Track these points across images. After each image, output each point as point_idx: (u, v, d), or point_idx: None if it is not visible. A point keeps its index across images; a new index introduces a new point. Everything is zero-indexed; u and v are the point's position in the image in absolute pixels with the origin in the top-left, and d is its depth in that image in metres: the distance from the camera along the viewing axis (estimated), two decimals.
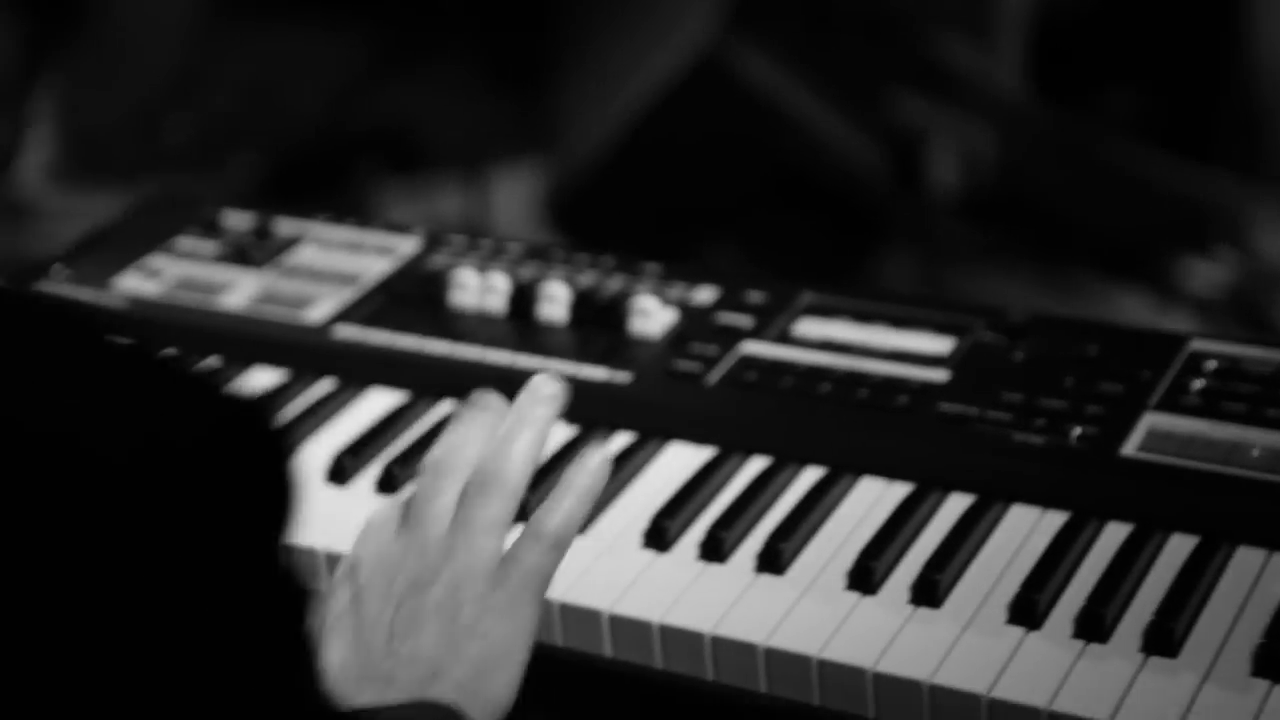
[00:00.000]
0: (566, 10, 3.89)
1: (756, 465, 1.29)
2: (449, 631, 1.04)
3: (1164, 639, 1.08)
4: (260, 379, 1.41)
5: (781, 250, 3.16)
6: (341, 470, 1.31)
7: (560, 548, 1.07)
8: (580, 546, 1.19)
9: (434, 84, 4.23)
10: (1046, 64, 3.44)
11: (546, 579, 1.07)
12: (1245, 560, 1.17)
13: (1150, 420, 1.26)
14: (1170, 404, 1.28)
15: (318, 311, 1.45)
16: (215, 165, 3.78)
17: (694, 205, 3.19)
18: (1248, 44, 3.23)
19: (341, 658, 1.05)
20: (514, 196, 3.48)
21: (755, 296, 1.44)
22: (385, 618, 1.05)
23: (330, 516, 1.20)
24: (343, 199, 3.65)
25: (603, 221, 3.22)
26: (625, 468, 1.29)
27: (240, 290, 1.49)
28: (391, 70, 4.30)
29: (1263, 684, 1.05)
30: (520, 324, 1.44)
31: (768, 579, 1.18)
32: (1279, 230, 3.03)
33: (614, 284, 1.46)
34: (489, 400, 1.15)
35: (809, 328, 1.40)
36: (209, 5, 3.82)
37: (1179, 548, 1.18)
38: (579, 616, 1.18)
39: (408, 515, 1.09)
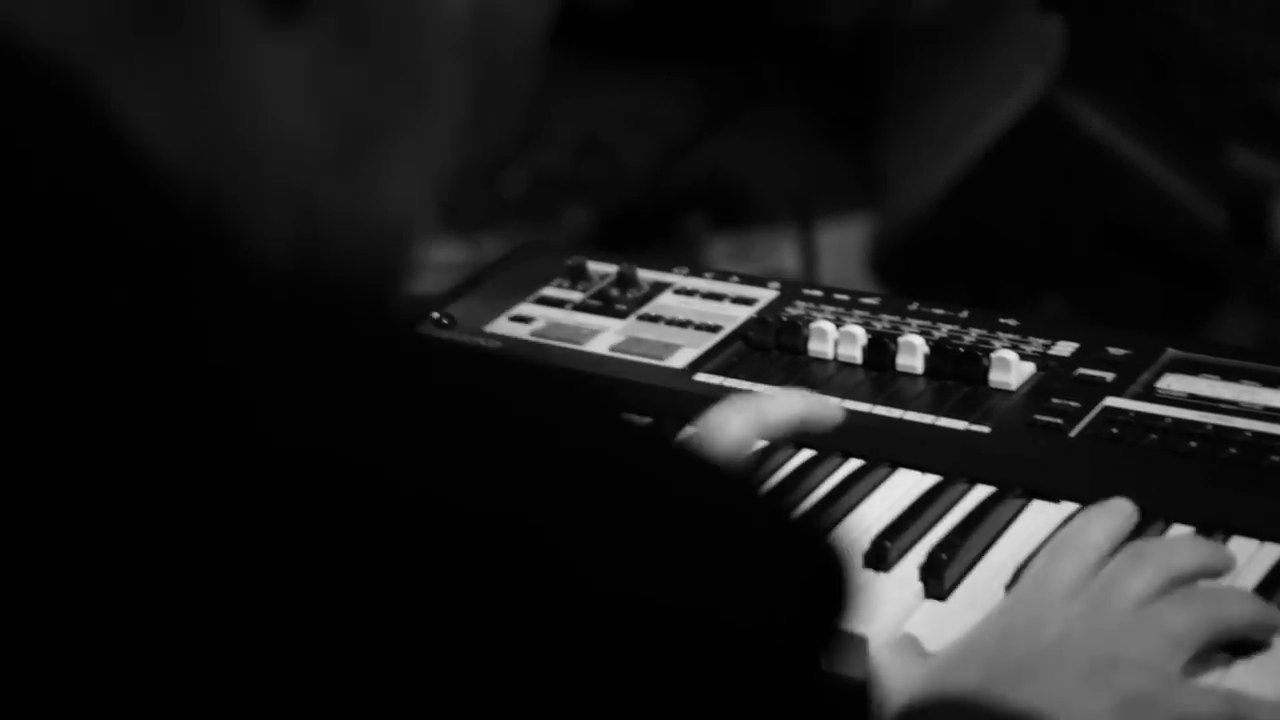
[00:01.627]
0: (899, 65, 3.87)
1: None
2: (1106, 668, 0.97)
3: None
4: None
5: (1112, 305, 3.10)
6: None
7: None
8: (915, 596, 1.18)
9: (763, 137, 4.25)
10: None
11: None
12: None
13: None
14: None
15: (679, 358, 1.44)
16: (548, 219, 3.85)
17: (1021, 259, 3.14)
18: None
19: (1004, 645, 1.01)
20: (840, 251, 3.46)
21: (1117, 351, 1.38)
22: (1076, 637, 1.00)
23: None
24: (670, 253, 3.68)
25: (928, 275, 3.19)
26: (988, 520, 1.23)
27: (605, 336, 1.49)
28: (722, 123, 4.33)
29: None
30: (876, 374, 1.41)
31: None
32: None
33: (970, 336, 1.43)
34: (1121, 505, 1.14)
35: (1174, 383, 1.34)
36: (545, 62, 3.86)
37: None
38: None
39: (1089, 574, 1.04)
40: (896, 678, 1.01)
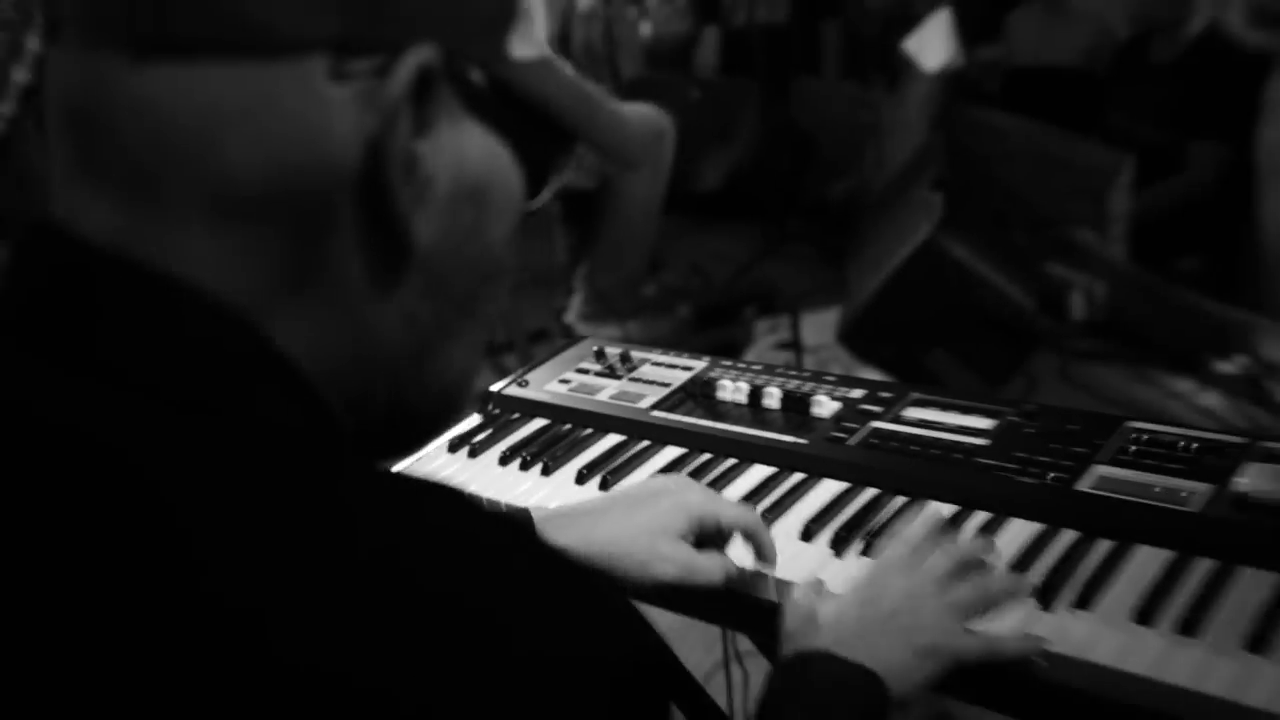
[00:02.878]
0: (862, 219, 3.88)
1: (869, 494, 1.23)
2: (910, 630, 0.95)
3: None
4: (610, 440, 1.40)
5: (973, 355, 3.08)
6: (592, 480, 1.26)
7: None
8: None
9: (790, 262, 4.27)
10: (1140, 243, 3.27)
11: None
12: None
13: (1098, 469, 1.17)
14: (1113, 460, 1.18)
15: (645, 403, 1.45)
16: (667, 312, 3.86)
17: (920, 330, 3.13)
18: (1261, 229, 3.00)
19: (849, 615, 0.96)
20: (827, 328, 3.46)
21: (885, 394, 1.39)
22: (888, 608, 0.96)
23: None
24: (733, 333, 3.71)
25: (869, 340, 3.20)
26: (797, 492, 1.25)
27: (607, 390, 1.49)
28: (766, 254, 4.34)
29: None
30: (753, 410, 1.41)
31: (866, 560, 1.12)
32: (1273, 344, 2.79)
33: (806, 387, 1.42)
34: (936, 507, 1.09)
35: (913, 412, 1.34)
36: (666, 223, 3.91)
37: (1101, 548, 1.08)
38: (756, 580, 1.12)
39: (910, 564, 1.00)
40: (792, 616, 0.99)
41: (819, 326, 3.59)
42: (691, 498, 1.08)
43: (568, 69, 0.68)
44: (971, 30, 3.97)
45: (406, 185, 0.53)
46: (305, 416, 0.55)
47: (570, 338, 3.76)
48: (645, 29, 5.43)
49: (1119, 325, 3.16)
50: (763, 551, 1.11)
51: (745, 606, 1.12)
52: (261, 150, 0.50)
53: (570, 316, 3.86)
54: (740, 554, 1.11)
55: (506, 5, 0.58)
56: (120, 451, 0.49)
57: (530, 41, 0.62)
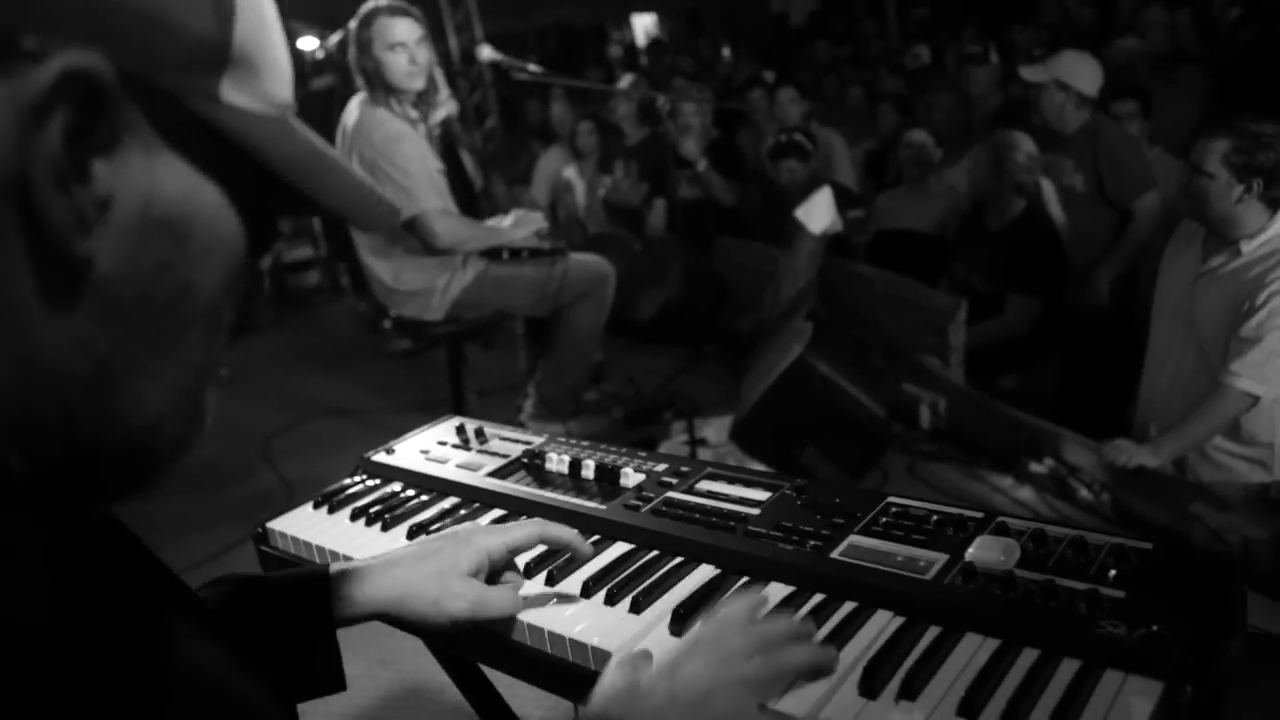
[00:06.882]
0: (758, 344, 3.72)
1: (649, 555, 1.03)
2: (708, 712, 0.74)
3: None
4: (447, 502, 1.22)
5: (838, 453, 2.88)
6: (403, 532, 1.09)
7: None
8: (549, 592, 0.98)
9: (702, 375, 4.09)
10: (972, 368, 3.10)
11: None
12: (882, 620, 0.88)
13: (852, 539, 0.97)
14: (867, 530, 0.98)
15: (484, 472, 1.26)
16: (604, 414, 3.64)
17: (795, 432, 2.93)
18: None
19: (657, 693, 0.75)
20: (720, 429, 3.27)
21: (685, 469, 1.19)
22: (692, 692, 0.74)
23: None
24: (653, 431, 3.50)
25: (754, 438, 3.00)
26: (597, 554, 1.04)
27: (455, 460, 1.31)
28: (684, 370, 4.17)
29: None
30: (573, 480, 1.23)
31: (632, 616, 0.93)
32: (1076, 452, 2.59)
33: (616, 460, 1.23)
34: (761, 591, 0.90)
35: (704, 485, 1.15)
36: (607, 345, 3.72)
37: (844, 610, 0.89)
38: (535, 631, 0.94)
39: (715, 645, 0.77)
40: (603, 684, 0.76)
41: (720, 428, 3.40)
42: (476, 537, 0.92)
43: (310, 134, 0.52)
44: (842, 198, 3.88)
45: (64, 195, 0.41)
46: None
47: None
48: (605, 192, 5.46)
49: (956, 432, 2.97)
50: (569, 546, 0.96)
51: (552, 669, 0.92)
52: None
53: (523, 416, 3.65)
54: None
55: (211, 47, 0.45)
56: None
57: (253, 94, 0.48)
